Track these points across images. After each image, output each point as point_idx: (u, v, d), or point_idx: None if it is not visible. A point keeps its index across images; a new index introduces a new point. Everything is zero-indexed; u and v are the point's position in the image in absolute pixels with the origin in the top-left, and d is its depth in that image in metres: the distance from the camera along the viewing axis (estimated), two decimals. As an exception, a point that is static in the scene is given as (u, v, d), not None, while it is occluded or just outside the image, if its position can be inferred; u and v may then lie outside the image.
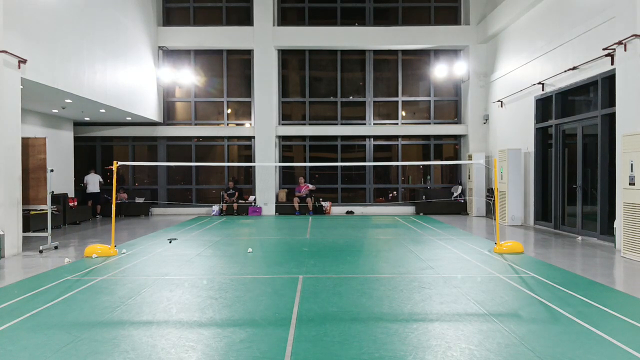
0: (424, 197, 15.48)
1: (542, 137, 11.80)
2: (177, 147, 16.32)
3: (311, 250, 8.48)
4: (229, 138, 16.14)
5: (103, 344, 3.86)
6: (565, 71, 10.25)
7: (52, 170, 8.77)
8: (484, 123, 15.26)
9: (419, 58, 16.22)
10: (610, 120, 9.03)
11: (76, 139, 15.18)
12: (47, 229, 8.77)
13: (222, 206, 15.26)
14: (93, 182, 14.34)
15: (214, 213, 15.27)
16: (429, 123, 16.06)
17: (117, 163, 8.47)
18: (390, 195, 16.31)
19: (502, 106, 13.85)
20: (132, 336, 4.05)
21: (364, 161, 16.01)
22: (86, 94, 10.48)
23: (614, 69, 8.52)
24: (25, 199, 8.79)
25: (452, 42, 15.49)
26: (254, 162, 15.64)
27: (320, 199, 15.71)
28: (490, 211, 13.94)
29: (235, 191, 15.46)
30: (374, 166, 15.97)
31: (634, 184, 7.38)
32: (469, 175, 15.06)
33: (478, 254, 7.85)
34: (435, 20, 15.91)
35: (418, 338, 3.96)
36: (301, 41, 15.54)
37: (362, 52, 16.05)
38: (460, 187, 15.51)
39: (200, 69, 16.17)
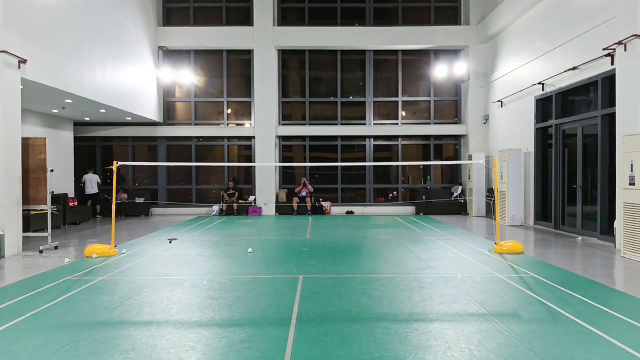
0: (424, 197, 15.48)
1: (542, 137, 11.80)
2: (177, 147, 16.32)
3: (311, 250, 8.48)
4: (229, 138, 16.14)
5: (103, 344, 3.86)
6: (565, 71, 10.25)
7: (52, 170, 8.77)
8: (484, 123, 15.27)
9: (419, 58, 16.22)
10: (610, 120, 9.03)
11: (76, 139, 15.18)
12: (47, 229, 8.77)
13: (222, 206, 15.26)
14: (91, 182, 14.32)
15: (214, 213, 15.27)
16: (429, 123, 16.06)
17: (117, 163, 8.47)
18: (390, 195, 16.31)
19: (502, 106, 13.85)
20: (132, 336, 4.05)
21: (364, 161, 16.01)
22: (86, 94, 10.48)
23: (614, 69, 8.52)
24: (25, 199, 8.79)
25: (452, 42, 15.49)
26: (254, 162, 15.64)
27: (320, 199, 15.72)
28: (490, 211, 13.94)
29: (235, 191, 15.46)
30: (374, 166, 15.97)
31: (634, 184, 7.38)
32: (469, 175, 15.06)
33: (478, 254, 7.85)
34: (435, 20, 15.91)
35: (418, 338, 3.96)
36: (301, 41, 15.54)
37: (362, 52, 16.05)
38: (460, 187, 15.50)
39: (200, 69, 16.17)
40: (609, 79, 8.95)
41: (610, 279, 6.29)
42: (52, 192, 8.90)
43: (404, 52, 16.01)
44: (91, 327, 4.27)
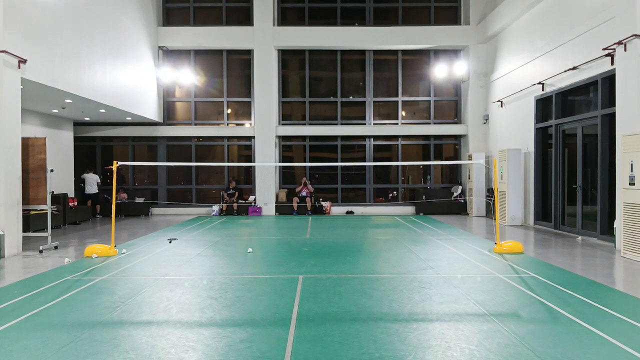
0: (424, 197, 15.48)
1: (542, 137, 11.80)
2: (177, 147, 16.32)
3: (311, 250, 8.48)
4: (229, 138, 16.14)
5: (103, 344, 3.86)
6: (565, 71, 10.25)
7: (52, 170, 8.77)
8: (484, 123, 15.26)
9: (419, 58, 16.22)
10: (610, 120, 9.03)
11: (76, 139, 15.18)
12: (47, 229, 8.77)
13: (222, 206, 15.26)
14: (90, 182, 14.31)
15: (214, 213, 15.27)
16: (429, 123, 16.07)
17: (117, 163, 8.47)
18: (390, 195, 16.31)
19: (502, 106, 13.85)
20: (132, 336, 4.05)
21: (364, 161, 16.01)
22: (86, 94, 10.48)
23: (614, 69, 8.52)
24: (25, 199, 8.79)
25: (452, 42, 15.49)
26: (254, 162, 15.64)
27: (320, 199, 15.72)
28: (490, 211, 13.94)
29: (235, 191, 15.46)
30: (374, 166, 15.97)
31: (634, 184, 7.38)
32: (469, 175, 15.06)
33: (478, 254, 7.85)
34: (435, 20, 15.91)
35: (418, 338, 3.96)
36: (301, 41, 15.54)
37: (362, 52, 16.05)
38: (460, 187, 15.50)
39: (200, 69, 16.17)
40: (609, 79, 8.95)
41: (610, 279, 6.29)
42: (52, 192, 8.90)
43: (404, 52, 16.01)
44: (91, 327, 4.27)
